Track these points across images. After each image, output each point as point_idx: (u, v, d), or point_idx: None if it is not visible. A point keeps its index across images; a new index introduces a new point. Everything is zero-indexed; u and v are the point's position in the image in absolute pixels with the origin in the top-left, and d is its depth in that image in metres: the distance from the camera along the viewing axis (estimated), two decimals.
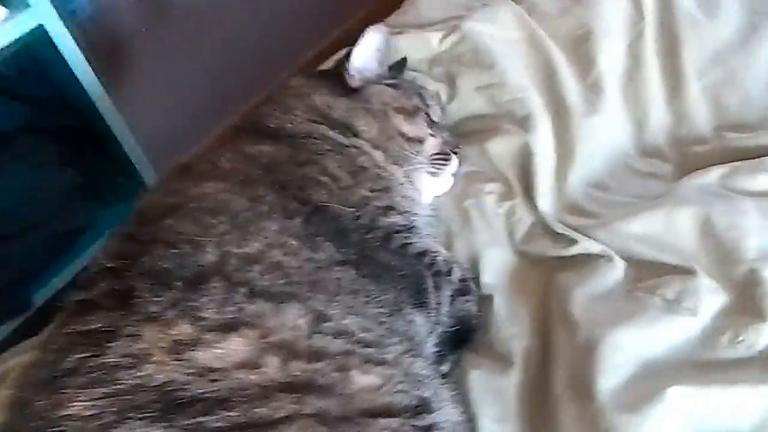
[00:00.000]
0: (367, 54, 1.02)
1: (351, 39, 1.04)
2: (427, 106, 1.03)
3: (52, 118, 1.48)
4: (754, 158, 0.95)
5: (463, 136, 1.08)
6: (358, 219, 0.84)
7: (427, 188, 1.00)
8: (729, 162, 0.96)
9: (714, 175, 0.94)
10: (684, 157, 1.02)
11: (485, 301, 0.89)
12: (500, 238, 0.95)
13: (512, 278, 0.91)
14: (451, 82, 1.11)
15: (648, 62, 1.09)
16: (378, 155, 0.94)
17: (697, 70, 1.08)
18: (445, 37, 1.16)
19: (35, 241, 1.46)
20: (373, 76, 1.02)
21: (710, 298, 0.80)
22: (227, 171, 0.83)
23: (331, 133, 0.92)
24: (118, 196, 1.51)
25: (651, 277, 0.85)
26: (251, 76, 1.83)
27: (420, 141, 0.99)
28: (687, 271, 0.83)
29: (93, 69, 1.35)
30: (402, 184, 0.94)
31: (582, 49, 1.10)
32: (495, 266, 0.92)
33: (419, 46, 1.16)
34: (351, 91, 0.98)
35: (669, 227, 0.89)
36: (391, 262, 0.83)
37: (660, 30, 1.12)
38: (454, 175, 1.01)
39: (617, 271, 0.87)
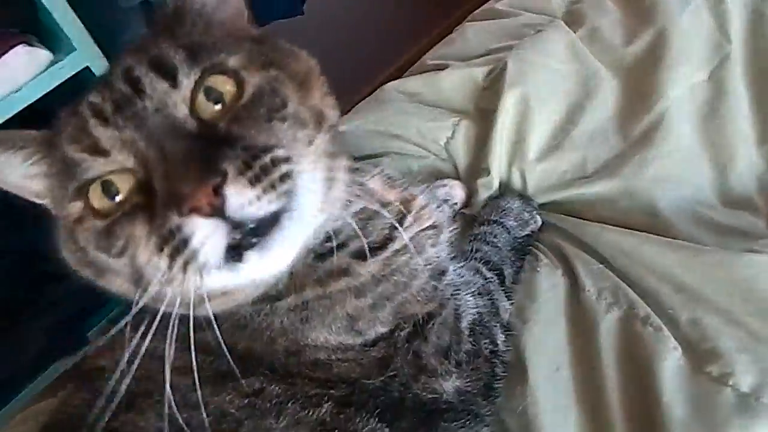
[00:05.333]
0: None
1: None
2: None
3: None
4: None
5: None
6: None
7: None
8: None
9: None
10: None
11: None
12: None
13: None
14: (490, 127, 0.96)
15: (735, 93, 0.89)
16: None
17: None
18: (490, 72, 1.03)
19: None
20: None
21: None
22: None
23: None
24: None
25: (718, 355, 0.66)
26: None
27: None
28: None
29: None
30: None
31: (648, 79, 0.93)
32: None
33: (463, 84, 1.04)
34: None
35: (754, 288, 0.69)
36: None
37: (751, 54, 0.92)
38: None
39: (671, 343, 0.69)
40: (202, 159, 0.49)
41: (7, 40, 1.12)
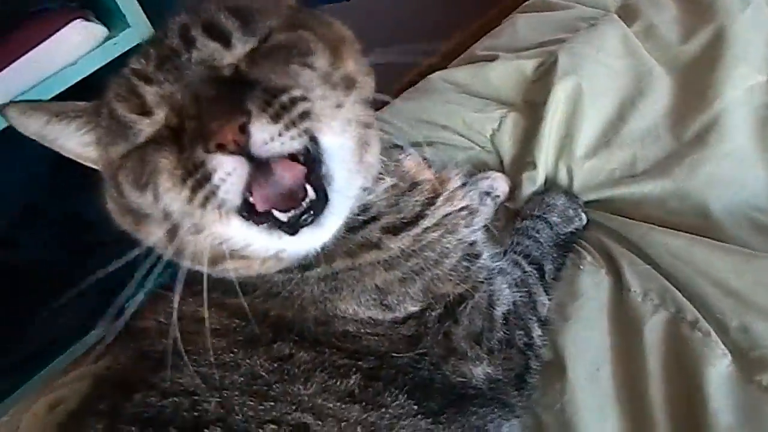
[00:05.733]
0: None
1: None
2: None
3: None
4: None
5: None
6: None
7: None
8: None
9: None
10: None
11: None
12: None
13: None
14: (538, 120, 0.95)
15: None
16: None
17: None
18: (540, 65, 1.01)
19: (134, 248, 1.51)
20: None
21: None
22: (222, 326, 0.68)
23: None
24: None
25: None
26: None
27: None
28: None
29: None
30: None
31: (705, 79, 0.90)
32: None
33: (512, 76, 1.03)
34: None
35: None
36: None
37: None
38: None
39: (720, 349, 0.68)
40: (229, 99, 0.52)
41: (66, 14, 1.14)
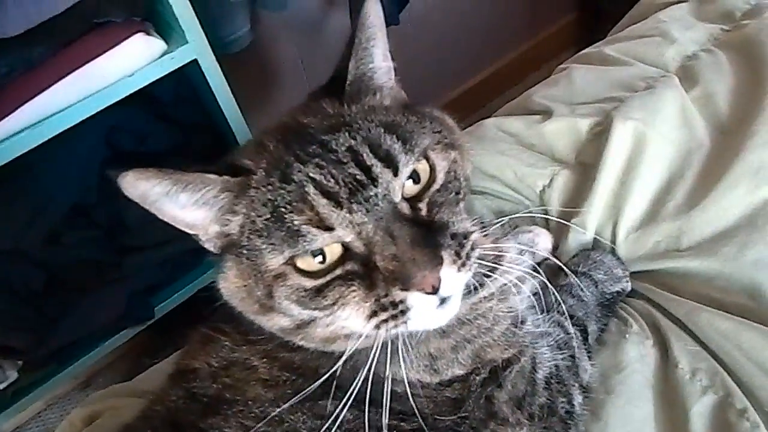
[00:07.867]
0: None
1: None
2: None
3: (199, 143, 1.55)
4: None
5: None
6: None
7: None
8: None
9: None
10: None
11: None
12: None
13: None
14: (589, 182, 0.96)
15: None
16: None
17: None
18: (595, 125, 1.02)
19: (166, 255, 1.53)
20: None
21: None
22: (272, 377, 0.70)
23: None
24: None
25: None
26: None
27: None
28: None
29: (236, 100, 1.39)
30: None
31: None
32: None
33: (566, 133, 1.04)
34: None
35: None
36: None
37: None
38: None
39: None
40: (425, 247, 0.58)
41: (129, 27, 1.16)
